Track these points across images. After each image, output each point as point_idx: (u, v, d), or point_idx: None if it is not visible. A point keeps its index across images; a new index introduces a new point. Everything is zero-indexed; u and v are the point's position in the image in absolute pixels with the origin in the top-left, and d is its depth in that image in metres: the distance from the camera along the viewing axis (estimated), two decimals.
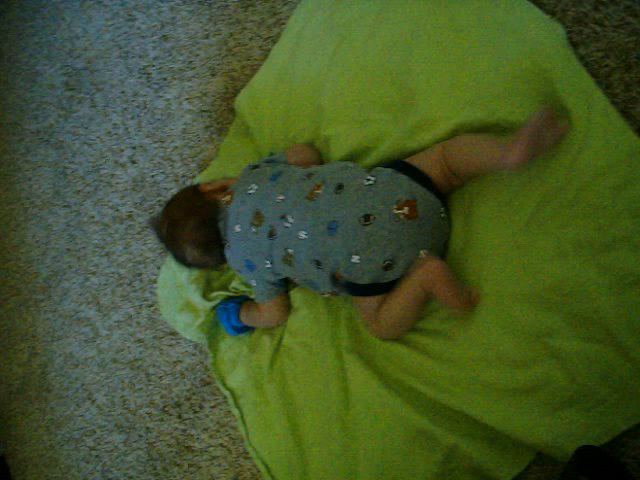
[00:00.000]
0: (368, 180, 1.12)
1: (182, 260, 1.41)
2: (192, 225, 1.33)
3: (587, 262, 1.00)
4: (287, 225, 1.18)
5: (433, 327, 1.16)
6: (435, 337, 1.15)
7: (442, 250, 1.15)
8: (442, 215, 1.12)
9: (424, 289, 1.08)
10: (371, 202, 1.09)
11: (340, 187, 1.14)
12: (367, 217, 1.09)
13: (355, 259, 1.10)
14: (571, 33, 1.08)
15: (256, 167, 1.33)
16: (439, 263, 1.06)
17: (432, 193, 1.10)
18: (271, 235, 1.22)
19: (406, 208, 1.07)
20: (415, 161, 1.14)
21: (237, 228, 1.27)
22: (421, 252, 1.08)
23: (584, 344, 0.98)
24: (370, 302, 1.16)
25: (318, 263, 1.16)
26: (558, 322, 1.02)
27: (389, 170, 1.14)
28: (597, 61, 1.05)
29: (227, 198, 1.30)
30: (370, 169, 1.18)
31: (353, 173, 1.17)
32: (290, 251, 1.20)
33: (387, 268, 1.09)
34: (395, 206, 1.08)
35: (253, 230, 1.25)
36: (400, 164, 1.15)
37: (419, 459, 1.12)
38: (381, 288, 1.13)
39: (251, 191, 1.26)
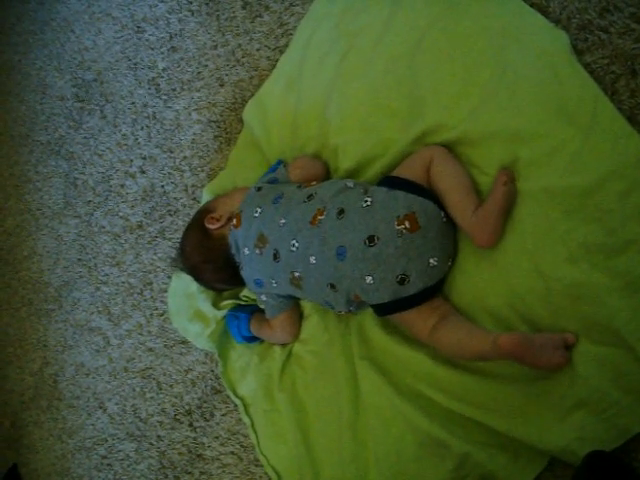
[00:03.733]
0: (365, 202, 1.14)
1: (212, 290, 1.49)
2: (211, 269, 1.40)
3: (597, 266, 1.00)
4: (293, 249, 1.20)
5: None
6: None
7: (452, 254, 1.16)
8: (444, 219, 1.12)
9: (499, 359, 1.04)
10: (372, 223, 1.11)
11: (341, 212, 1.15)
12: (371, 238, 1.10)
13: (369, 280, 1.11)
14: (576, 40, 1.08)
15: (260, 189, 1.34)
16: (515, 341, 0.97)
17: (430, 201, 1.11)
18: (275, 258, 1.23)
19: (407, 222, 1.09)
20: (405, 173, 1.16)
21: (246, 251, 1.30)
22: (430, 260, 1.09)
23: (596, 347, 0.99)
24: (411, 319, 1.15)
25: (333, 286, 1.17)
26: (569, 326, 1.02)
27: (384, 188, 1.16)
28: (603, 68, 1.05)
29: (235, 222, 1.32)
30: (367, 189, 1.18)
31: (352, 196, 1.18)
32: (297, 274, 1.21)
33: (402, 283, 1.09)
34: (395, 222, 1.09)
35: (257, 252, 1.27)
36: (392, 180, 1.17)
37: (431, 467, 1.12)
38: (405, 303, 1.13)
39: (256, 214, 1.29)
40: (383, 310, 1.17)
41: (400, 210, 1.10)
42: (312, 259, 1.18)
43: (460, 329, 1.09)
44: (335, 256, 1.14)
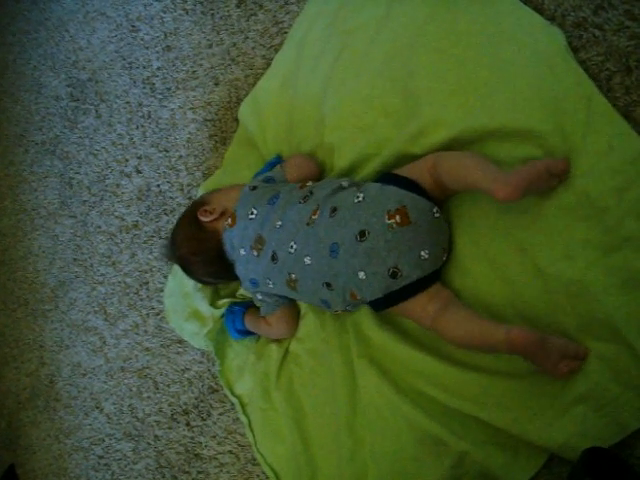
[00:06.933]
0: (357, 197, 1.14)
1: (200, 282, 1.48)
2: (201, 262, 1.39)
3: (594, 263, 1.00)
4: (291, 251, 1.20)
5: None
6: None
7: (447, 248, 1.15)
8: (436, 215, 1.12)
9: (506, 353, 1.02)
10: (363, 218, 1.11)
11: (334, 210, 1.15)
12: (362, 233, 1.10)
13: (361, 275, 1.11)
14: (571, 38, 1.08)
15: (255, 188, 1.33)
16: (528, 336, 0.97)
17: (422, 197, 1.11)
18: (274, 259, 1.23)
19: (397, 216, 1.08)
20: (405, 172, 1.15)
21: (242, 252, 1.30)
22: (422, 253, 1.09)
23: (595, 343, 0.99)
24: (411, 309, 1.14)
25: (329, 285, 1.17)
26: (567, 323, 1.02)
27: (377, 184, 1.16)
28: (597, 65, 1.05)
29: (230, 222, 1.32)
30: (360, 186, 1.19)
31: (345, 193, 1.18)
32: (293, 276, 1.21)
33: (394, 276, 1.09)
34: (386, 217, 1.09)
35: (255, 254, 1.27)
36: (388, 176, 1.17)
37: (429, 465, 1.12)
38: (400, 295, 1.12)
39: (252, 216, 1.28)
40: (379, 305, 1.17)
41: (391, 204, 1.10)
42: (307, 260, 1.18)
43: (467, 320, 1.07)
44: (329, 254, 1.14)
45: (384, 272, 1.09)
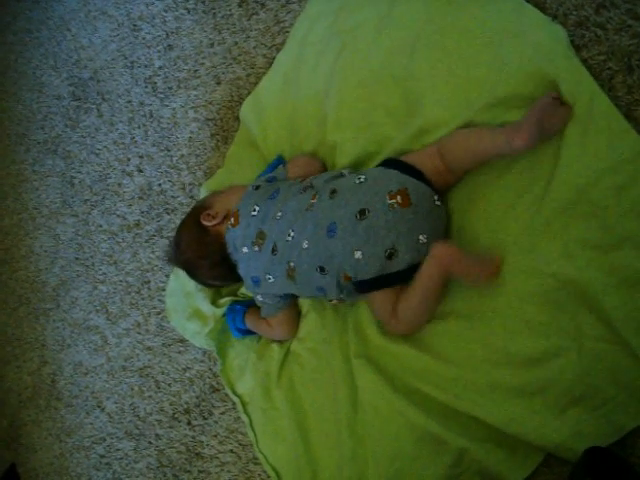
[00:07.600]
0: (359, 179, 1.15)
1: (205, 286, 1.48)
2: (206, 266, 1.39)
3: (593, 262, 1.00)
4: (289, 239, 1.20)
5: (442, 328, 1.15)
6: (444, 339, 1.15)
7: (444, 238, 1.15)
8: (436, 203, 1.12)
9: (442, 276, 1.08)
10: (364, 197, 1.11)
11: (334, 192, 1.16)
12: (362, 212, 1.10)
13: (358, 255, 1.11)
14: (573, 37, 1.08)
15: (258, 187, 1.34)
16: (449, 247, 1.07)
17: (423, 183, 1.12)
18: (273, 251, 1.23)
19: (399, 197, 1.09)
20: (408, 159, 1.16)
21: (244, 249, 1.30)
22: (420, 237, 1.09)
23: (591, 343, 0.99)
24: (384, 299, 1.15)
25: (322, 269, 1.17)
26: (565, 322, 1.02)
27: (379, 167, 1.18)
28: (599, 64, 1.05)
29: (232, 221, 1.32)
30: (361, 172, 1.19)
31: (345, 178, 1.19)
32: (292, 264, 1.21)
33: (390, 257, 1.09)
34: (387, 197, 1.09)
35: (256, 249, 1.27)
36: (390, 161, 1.18)
37: (428, 463, 1.12)
38: (388, 280, 1.12)
39: (254, 212, 1.28)
40: (364, 286, 1.16)
41: (393, 185, 1.10)
42: (305, 244, 1.18)
43: (410, 291, 1.12)
44: (326, 234, 1.14)
45: (381, 252, 1.09)
